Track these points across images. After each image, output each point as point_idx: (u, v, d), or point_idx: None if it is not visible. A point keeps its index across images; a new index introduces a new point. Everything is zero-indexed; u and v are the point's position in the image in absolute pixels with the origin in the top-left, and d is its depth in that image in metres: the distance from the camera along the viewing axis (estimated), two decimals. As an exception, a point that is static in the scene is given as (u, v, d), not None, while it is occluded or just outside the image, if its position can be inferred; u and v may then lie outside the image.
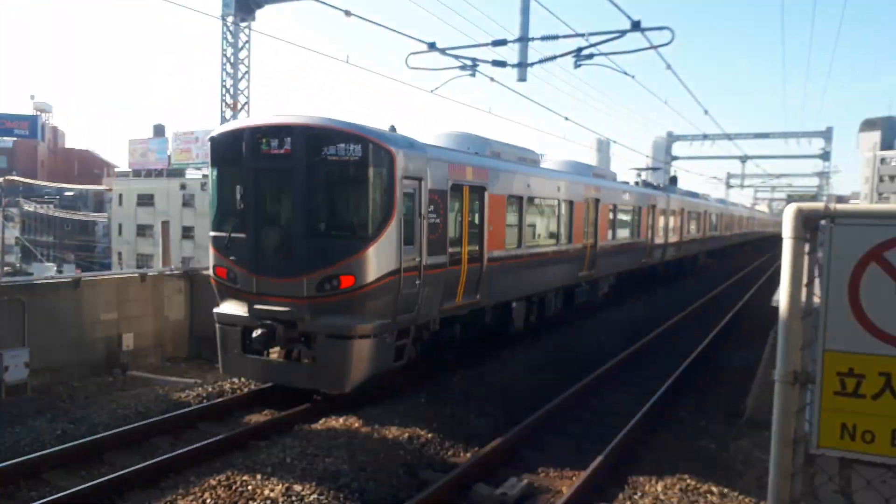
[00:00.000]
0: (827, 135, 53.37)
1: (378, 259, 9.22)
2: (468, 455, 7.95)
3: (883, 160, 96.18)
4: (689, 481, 7.13)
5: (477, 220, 11.75)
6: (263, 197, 9.91)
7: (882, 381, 2.40)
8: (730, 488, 7.04)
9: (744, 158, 55.59)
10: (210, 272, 10.35)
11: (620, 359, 12.78)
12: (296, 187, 9.46)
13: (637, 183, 25.87)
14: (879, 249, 2.40)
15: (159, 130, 73.90)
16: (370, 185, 9.33)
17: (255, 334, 9.29)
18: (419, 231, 9.91)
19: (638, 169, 30.68)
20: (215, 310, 10.10)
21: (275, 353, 9.89)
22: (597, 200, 17.80)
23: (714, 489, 6.98)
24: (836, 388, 2.47)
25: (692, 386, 11.48)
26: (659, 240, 24.47)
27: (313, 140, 9.36)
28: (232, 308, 9.89)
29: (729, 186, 76.84)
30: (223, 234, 9.91)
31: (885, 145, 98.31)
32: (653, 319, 17.15)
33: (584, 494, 6.83)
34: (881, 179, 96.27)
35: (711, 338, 15.24)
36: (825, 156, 55.18)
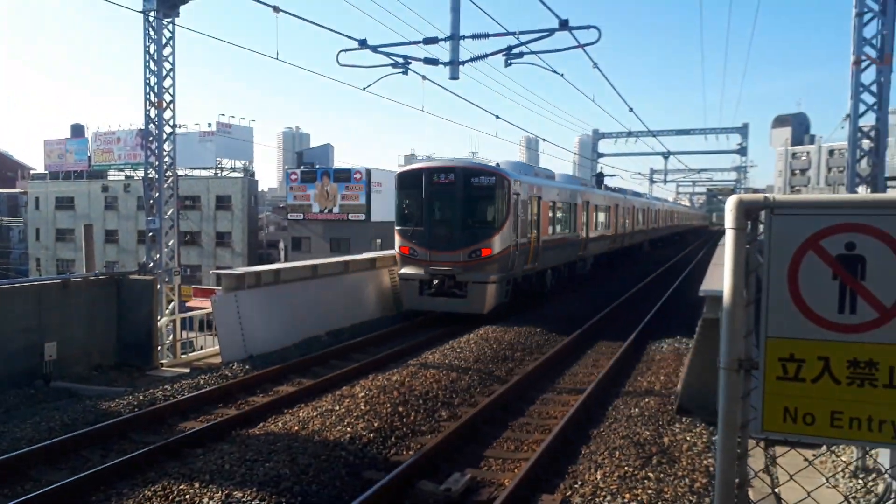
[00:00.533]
0: (743, 131, 55.60)
1: (501, 240, 16.14)
2: (411, 453, 7.93)
3: (794, 155, 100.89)
4: (626, 469, 7.28)
5: (537, 217, 18.61)
6: (434, 206, 16.73)
7: (821, 365, 2.50)
8: (665, 474, 7.23)
9: (666, 154, 57.44)
10: (395, 250, 17.38)
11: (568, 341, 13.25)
12: (455, 200, 16.40)
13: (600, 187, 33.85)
14: (816, 238, 2.49)
15: (78, 131, 70.63)
16: (497, 199, 16.24)
17: (434, 283, 16.27)
18: (517, 224, 16.77)
19: (602, 175, 37.16)
20: (399, 271, 17.02)
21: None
22: (587, 202, 24.94)
23: (651, 475, 7.14)
24: (778, 373, 2.55)
25: (626, 374, 11.78)
26: (620, 230, 32.04)
27: (467, 174, 16.47)
28: (411, 270, 16.70)
29: (652, 182, 79.18)
30: (407, 227, 16.90)
31: (796, 140, 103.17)
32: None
33: (526, 486, 6.92)
34: (793, 173, 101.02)
35: (643, 325, 15.74)
36: (742, 151, 57.49)
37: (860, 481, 6.62)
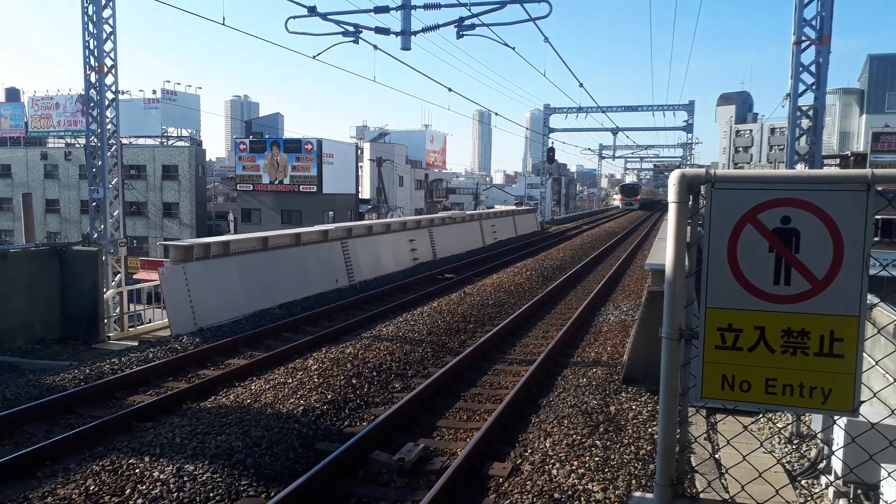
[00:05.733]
0: (689, 108, 56.19)
1: (640, 197, 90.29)
2: (364, 424, 8.00)
3: (738, 132, 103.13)
4: (574, 437, 7.48)
5: (644, 192, 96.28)
6: (628, 188, 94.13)
7: (757, 335, 2.62)
8: (612, 441, 7.45)
9: (615, 130, 58.00)
10: (618, 198, 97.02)
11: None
12: (633, 188, 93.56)
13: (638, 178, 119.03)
14: (754, 212, 2.59)
15: (13, 95, 67.74)
16: (640, 188, 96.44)
17: (627, 205, 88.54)
18: (643, 194, 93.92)
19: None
20: (619, 201, 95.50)
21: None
22: (644, 188, 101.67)
23: (598, 443, 7.35)
24: (717, 342, 2.67)
25: (574, 344, 12.04)
26: (645, 197, 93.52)
27: (632, 183, 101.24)
28: (622, 203, 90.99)
29: (601, 157, 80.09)
30: (623, 192, 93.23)
31: (740, 118, 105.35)
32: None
33: (478, 454, 7.06)
34: (737, 150, 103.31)
35: (594, 294, 16.17)
36: (688, 128, 58.19)
37: (794, 446, 6.96)
